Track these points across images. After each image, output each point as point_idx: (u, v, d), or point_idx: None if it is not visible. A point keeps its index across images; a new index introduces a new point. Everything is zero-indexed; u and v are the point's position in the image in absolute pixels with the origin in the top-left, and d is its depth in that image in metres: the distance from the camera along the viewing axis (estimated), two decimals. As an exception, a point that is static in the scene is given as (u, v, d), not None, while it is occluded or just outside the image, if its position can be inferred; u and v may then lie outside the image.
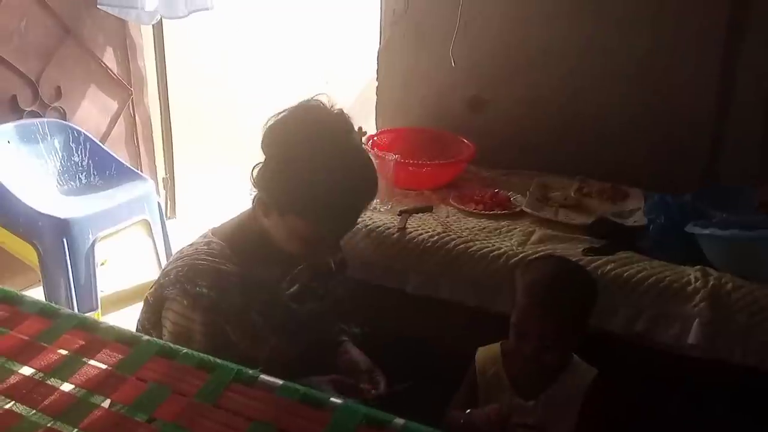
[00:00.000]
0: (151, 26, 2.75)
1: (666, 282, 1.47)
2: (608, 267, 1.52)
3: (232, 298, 1.17)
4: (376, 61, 2.41)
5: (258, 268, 1.24)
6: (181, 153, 3.07)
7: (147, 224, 2.35)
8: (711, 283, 1.44)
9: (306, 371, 1.22)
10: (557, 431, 1.31)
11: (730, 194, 1.87)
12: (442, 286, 1.67)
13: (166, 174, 3.05)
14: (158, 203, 2.40)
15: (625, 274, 1.50)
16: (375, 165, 1.25)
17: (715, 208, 1.73)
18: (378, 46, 2.40)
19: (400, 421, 0.68)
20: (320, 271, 1.37)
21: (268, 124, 1.17)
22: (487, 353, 1.39)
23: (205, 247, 1.21)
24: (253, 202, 1.22)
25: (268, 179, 1.17)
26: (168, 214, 2.99)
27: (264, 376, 0.74)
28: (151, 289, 1.24)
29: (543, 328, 1.22)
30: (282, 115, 1.17)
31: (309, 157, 1.13)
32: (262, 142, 1.17)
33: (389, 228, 1.73)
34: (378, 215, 1.81)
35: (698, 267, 1.51)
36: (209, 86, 3.09)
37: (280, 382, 0.73)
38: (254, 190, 1.21)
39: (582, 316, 1.28)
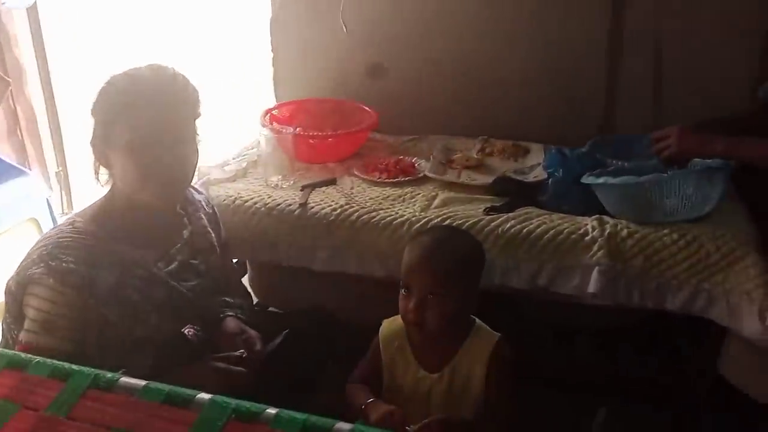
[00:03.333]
0: (26, 16, 2.56)
1: (564, 234, 1.49)
2: (508, 224, 1.53)
3: (105, 275, 1.13)
4: (270, 32, 2.31)
5: (132, 247, 1.21)
6: (74, 144, 2.88)
7: (36, 223, 2.18)
8: (607, 231, 1.47)
9: (190, 348, 1.23)
10: (466, 400, 1.32)
11: (625, 143, 1.92)
12: (349, 259, 1.64)
13: (58, 167, 2.86)
14: (47, 199, 2.24)
15: (525, 230, 1.51)
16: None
17: (612, 156, 1.77)
18: (270, 16, 2.30)
19: (271, 411, 0.64)
20: (200, 248, 1.35)
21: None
22: (391, 326, 1.37)
23: (70, 227, 1.16)
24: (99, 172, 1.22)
25: (93, 130, 1.19)
26: (65, 209, 2.83)
27: (125, 379, 0.68)
28: (13, 274, 1.15)
29: (423, 280, 1.22)
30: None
31: (119, 83, 1.18)
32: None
33: (290, 204, 1.67)
34: (279, 192, 1.75)
35: (595, 216, 1.54)
36: (96, 73, 2.90)
37: (142, 383, 0.68)
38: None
39: (466, 274, 1.28)
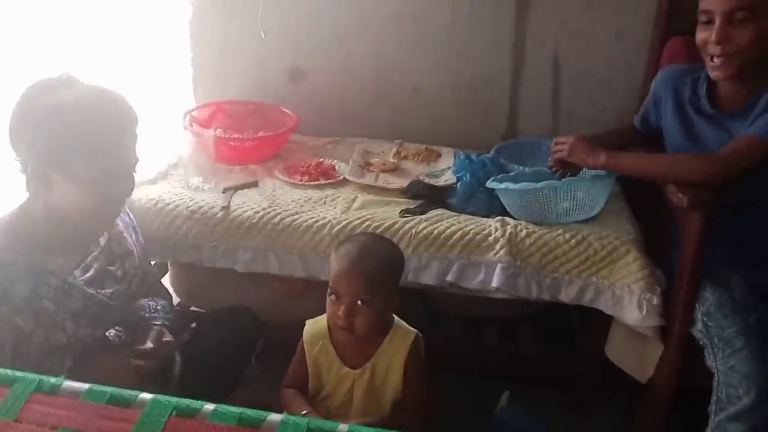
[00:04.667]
0: None
1: (471, 234, 1.63)
2: (421, 226, 1.65)
3: (19, 287, 1.17)
4: (189, 33, 2.32)
5: (49, 257, 1.24)
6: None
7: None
8: (508, 231, 1.62)
9: (112, 349, 1.30)
10: (385, 393, 1.43)
11: (530, 146, 2.10)
12: (270, 260, 1.71)
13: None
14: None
15: (435, 231, 1.63)
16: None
17: (517, 160, 1.94)
18: (189, 16, 2.31)
19: (209, 407, 0.72)
20: (118, 253, 1.39)
21: (11, 118, 1.20)
22: (314, 326, 1.46)
23: None
24: (27, 185, 1.22)
25: (35, 151, 1.18)
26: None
27: (68, 383, 0.74)
28: None
29: (352, 288, 1.31)
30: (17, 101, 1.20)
31: (71, 112, 1.17)
32: (10, 132, 1.20)
33: (213, 207, 1.72)
34: (201, 194, 1.79)
35: (498, 218, 1.69)
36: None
37: (86, 386, 0.73)
38: (22, 174, 1.22)
39: (391, 278, 1.38)
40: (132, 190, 1.32)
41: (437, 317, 2.05)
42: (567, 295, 1.63)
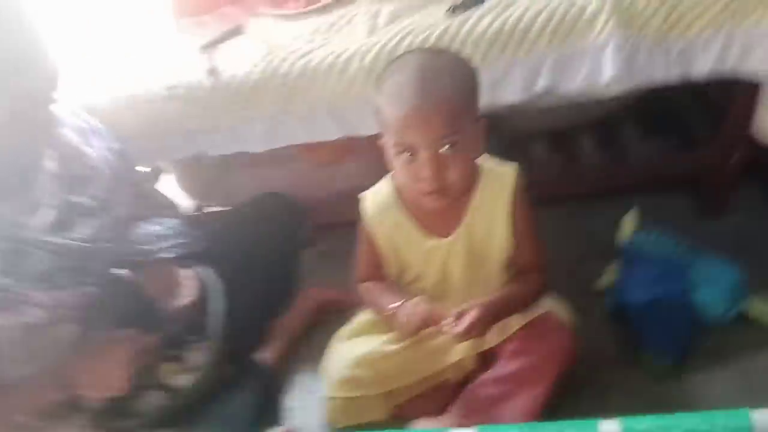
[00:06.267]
0: None
1: (560, 14, 1.13)
2: (485, 21, 1.16)
3: None
4: None
5: None
6: None
7: None
8: (611, -6, 1.12)
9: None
10: (490, 259, 1.07)
11: None
12: (290, 127, 1.27)
13: None
14: None
15: (509, 23, 1.14)
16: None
17: None
18: None
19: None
20: (78, 175, 0.97)
21: None
22: (375, 199, 1.08)
23: None
24: None
25: None
26: None
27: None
28: None
29: (432, 131, 0.90)
30: None
31: None
32: None
33: (195, 75, 1.24)
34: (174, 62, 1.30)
35: (587, -18, 1.18)
36: None
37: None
38: None
39: (471, 98, 0.96)
40: (56, 78, 0.87)
41: (507, 139, 1.59)
42: (704, 63, 1.16)
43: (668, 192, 1.48)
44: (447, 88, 0.90)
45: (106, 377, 0.90)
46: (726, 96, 1.30)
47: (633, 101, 1.48)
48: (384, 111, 0.92)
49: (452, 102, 0.89)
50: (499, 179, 1.03)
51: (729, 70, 1.18)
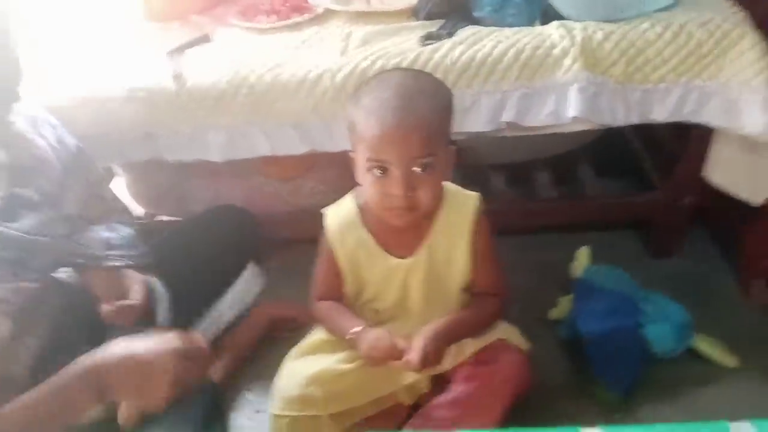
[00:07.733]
0: None
1: (528, 51, 1.17)
2: (457, 51, 1.18)
3: None
4: None
5: None
6: None
7: None
8: (579, 38, 1.17)
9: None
10: (450, 281, 1.07)
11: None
12: (255, 138, 1.25)
13: None
14: None
15: (479, 55, 1.17)
16: None
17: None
18: None
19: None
20: (25, 166, 0.93)
21: None
22: (338, 215, 1.06)
23: None
24: None
25: None
26: None
27: None
28: None
29: (406, 150, 0.90)
30: None
31: None
32: None
33: (159, 79, 1.21)
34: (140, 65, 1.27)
35: (557, 23, 1.23)
36: None
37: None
38: None
39: (447, 121, 0.96)
40: (19, 73, 0.84)
41: (468, 169, 1.61)
42: (663, 109, 1.22)
43: (620, 230, 1.53)
44: (426, 108, 0.90)
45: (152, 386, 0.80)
46: (679, 140, 1.37)
47: (590, 140, 1.54)
48: (360, 126, 0.91)
49: (431, 123, 0.90)
50: (462, 203, 1.04)
51: (685, 118, 1.24)
